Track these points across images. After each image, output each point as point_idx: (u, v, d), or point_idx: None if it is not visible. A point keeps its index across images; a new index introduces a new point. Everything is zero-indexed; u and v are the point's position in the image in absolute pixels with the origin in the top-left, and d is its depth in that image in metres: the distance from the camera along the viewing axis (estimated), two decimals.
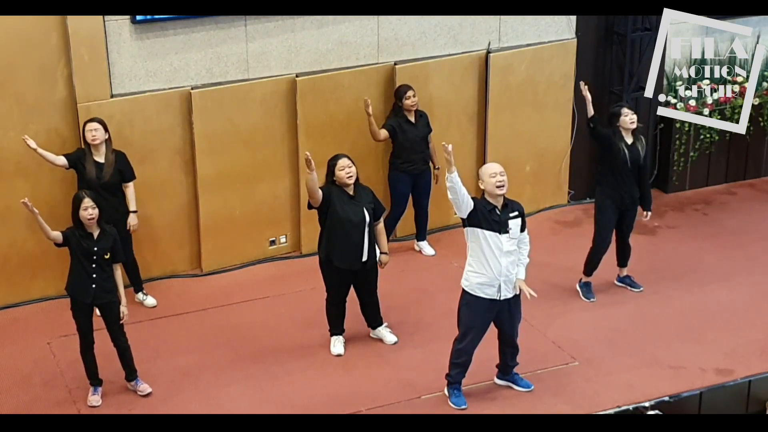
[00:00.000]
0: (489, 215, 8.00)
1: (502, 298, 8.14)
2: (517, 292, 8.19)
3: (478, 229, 8.04)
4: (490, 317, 8.25)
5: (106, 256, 8.17)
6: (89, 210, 8.05)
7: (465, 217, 8.04)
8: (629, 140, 9.60)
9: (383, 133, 10.23)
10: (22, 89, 9.36)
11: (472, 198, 8.04)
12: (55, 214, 9.64)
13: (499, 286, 8.10)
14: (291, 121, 10.35)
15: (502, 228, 8.03)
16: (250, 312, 9.81)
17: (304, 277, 10.29)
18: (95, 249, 8.13)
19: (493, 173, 8.01)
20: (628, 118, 9.58)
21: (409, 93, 10.24)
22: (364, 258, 8.80)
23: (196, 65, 9.92)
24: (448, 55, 10.82)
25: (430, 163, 10.58)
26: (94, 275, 8.16)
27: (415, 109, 10.30)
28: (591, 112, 9.73)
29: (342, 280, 8.92)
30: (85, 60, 9.44)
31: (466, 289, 8.19)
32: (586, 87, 9.87)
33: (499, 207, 8.04)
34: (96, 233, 8.15)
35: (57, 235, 8.15)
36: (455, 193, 7.89)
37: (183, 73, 9.89)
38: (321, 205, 8.69)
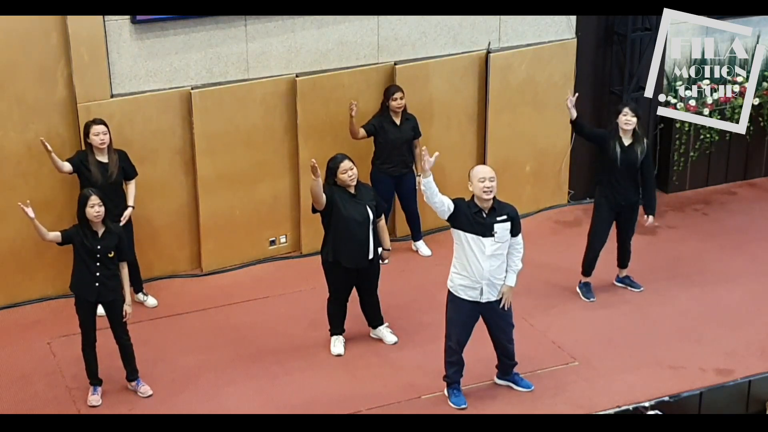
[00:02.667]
0: (473, 217, 7.96)
1: (484, 300, 8.13)
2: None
3: (461, 232, 8.02)
4: (473, 316, 8.25)
5: (111, 255, 8.17)
6: (96, 207, 8.06)
7: (446, 219, 8.04)
8: (627, 141, 9.56)
9: (361, 132, 10.16)
10: (22, 89, 9.36)
11: (457, 199, 7.99)
12: (56, 214, 9.66)
13: (482, 289, 8.08)
14: (291, 121, 10.35)
15: (486, 231, 7.97)
16: (250, 312, 9.81)
17: (304, 277, 10.29)
18: (98, 248, 8.13)
19: (481, 178, 7.95)
20: (625, 119, 9.54)
21: (397, 94, 10.19)
22: (371, 256, 8.83)
23: (196, 65, 9.92)
24: (448, 55, 10.81)
25: (414, 168, 10.51)
26: (98, 274, 8.17)
27: (401, 110, 10.24)
28: (574, 115, 9.62)
29: (346, 280, 8.93)
30: (85, 60, 9.44)
31: (450, 289, 8.20)
32: (574, 98, 9.72)
33: (486, 210, 8.00)
34: (101, 231, 8.16)
35: (55, 235, 8.17)
36: (429, 199, 7.89)
37: (183, 73, 9.90)
38: (324, 207, 8.69)
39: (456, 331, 8.27)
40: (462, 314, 8.21)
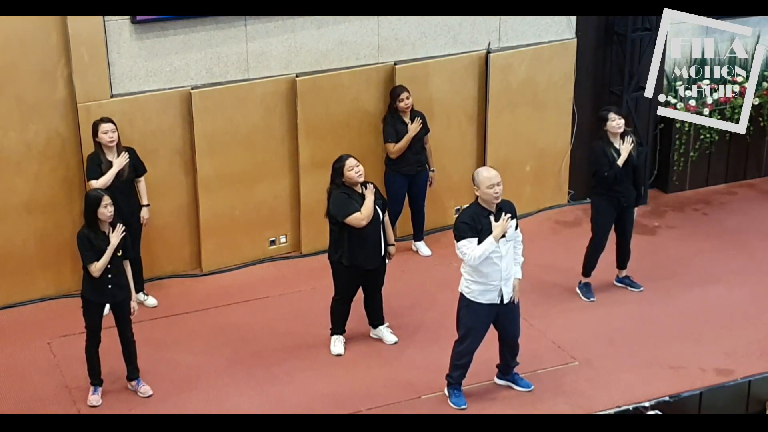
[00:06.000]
0: (487, 225, 7.94)
1: (504, 301, 8.14)
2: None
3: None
4: (490, 319, 8.25)
5: (119, 253, 8.18)
6: (108, 207, 8.06)
7: None
8: (617, 144, 9.59)
9: (391, 148, 10.19)
10: (22, 89, 9.36)
11: (467, 224, 7.95)
12: (56, 214, 9.66)
13: (500, 290, 8.09)
14: (291, 121, 10.35)
15: None
16: (250, 312, 9.81)
17: (304, 277, 10.29)
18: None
19: (491, 184, 7.93)
20: (615, 123, 9.57)
21: (403, 95, 10.20)
22: (382, 253, 8.87)
23: (196, 65, 9.92)
24: (448, 55, 10.81)
25: (426, 165, 10.55)
26: (110, 275, 8.17)
27: (409, 110, 10.26)
28: (620, 163, 9.55)
29: (357, 281, 8.95)
30: (85, 60, 9.43)
31: (466, 296, 8.17)
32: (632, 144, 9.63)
33: (494, 212, 8.00)
34: (108, 232, 8.15)
35: (102, 265, 8.08)
36: (478, 260, 7.93)
37: (183, 73, 9.89)
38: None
39: (472, 337, 8.26)
40: (481, 318, 8.21)
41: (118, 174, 9.15)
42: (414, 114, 10.32)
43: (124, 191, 9.18)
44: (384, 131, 10.27)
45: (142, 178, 9.46)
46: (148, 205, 9.50)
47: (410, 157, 10.33)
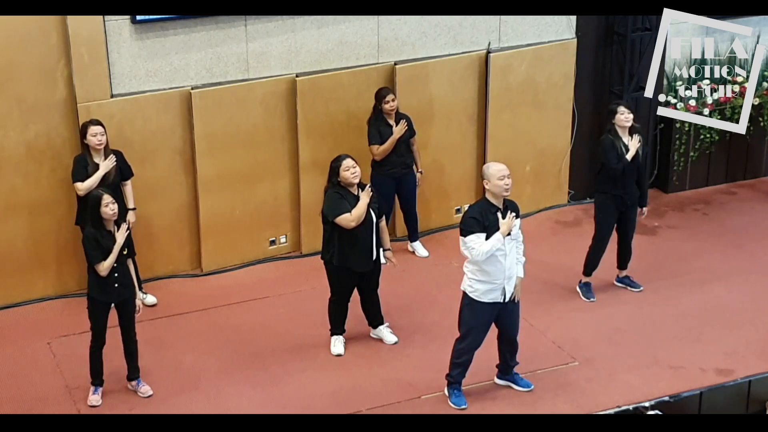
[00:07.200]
0: (494, 222, 7.95)
1: (506, 300, 8.15)
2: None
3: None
4: (492, 318, 8.25)
5: (125, 252, 8.19)
6: (110, 206, 8.06)
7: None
8: (626, 138, 9.59)
9: (376, 150, 10.15)
10: (22, 89, 9.36)
11: (476, 221, 7.95)
12: (56, 214, 9.67)
13: (504, 288, 8.10)
14: (291, 121, 10.35)
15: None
16: (250, 312, 9.81)
17: (304, 277, 10.29)
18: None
19: (502, 176, 7.95)
20: (624, 116, 9.56)
21: (388, 97, 10.14)
22: (374, 257, 8.84)
23: (196, 65, 9.92)
24: (448, 55, 10.81)
25: (414, 167, 10.53)
26: (116, 274, 8.17)
27: (394, 112, 10.22)
28: (629, 157, 9.56)
29: (350, 282, 8.94)
30: (85, 60, 9.44)
31: (470, 295, 8.17)
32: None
33: (501, 209, 8.02)
34: (114, 231, 8.15)
35: (108, 265, 8.08)
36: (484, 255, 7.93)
37: (183, 73, 9.89)
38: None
39: (473, 335, 8.27)
40: (483, 317, 8.21)
41: (104, 177, 9.13)
42: (399, 116, 10.27)
43: (112, 195, 9.13)
44: (368, 133, 10.22)
45: (128, 182, 9.41)
46: (134, 209, 9.45)
47: (395, 159, 10.27)
